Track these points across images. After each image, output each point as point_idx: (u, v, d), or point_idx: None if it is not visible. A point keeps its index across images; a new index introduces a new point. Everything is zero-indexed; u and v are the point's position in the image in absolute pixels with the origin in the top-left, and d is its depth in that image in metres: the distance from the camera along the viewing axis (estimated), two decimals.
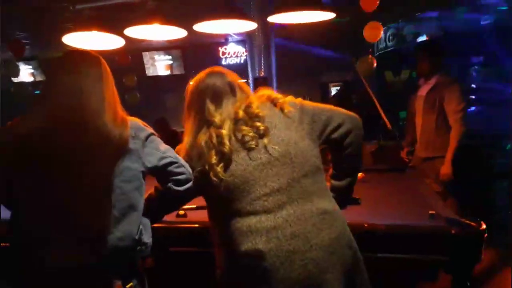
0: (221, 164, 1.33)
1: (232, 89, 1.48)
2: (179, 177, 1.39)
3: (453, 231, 1.48)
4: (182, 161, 1.43)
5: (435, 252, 1.50)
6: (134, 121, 1.38)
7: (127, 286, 1.29)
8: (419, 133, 3.27)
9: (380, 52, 7.05)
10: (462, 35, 5.85)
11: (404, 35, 6.56)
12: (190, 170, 1.44)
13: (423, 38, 6.30)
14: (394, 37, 6.71)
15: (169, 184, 1.39)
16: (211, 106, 1.42)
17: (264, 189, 1.29)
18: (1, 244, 1.75)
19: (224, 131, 1.36)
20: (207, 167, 1.35)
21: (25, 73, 8.30)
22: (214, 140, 1.35)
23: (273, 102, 1.43)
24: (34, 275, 1.25)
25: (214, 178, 1.33)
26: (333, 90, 7.59)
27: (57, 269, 1.21)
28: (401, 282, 1.57)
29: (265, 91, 1.49)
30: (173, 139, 5.24)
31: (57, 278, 1.22)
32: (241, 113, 1.38)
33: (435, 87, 3.13)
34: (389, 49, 6.79)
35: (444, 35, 5.89)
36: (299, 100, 1.46)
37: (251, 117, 1.37)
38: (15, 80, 7.88)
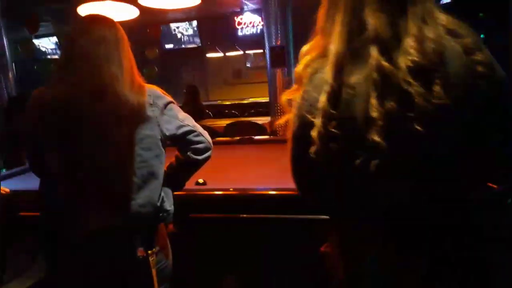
0: (382, 124, 0.77)
1: None
2: (198, 145, 1.40)
3: None
4: (201, 129, 1.43)
5: None
6: (153, 89, 1.37)
7: (150, 252, 1.31)
8: None
9: None
10: None
11: None
12: (209, 138, 1.44)
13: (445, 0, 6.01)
14: None
15: (188, 153, 1.40)
16: (377, 12, 0.82)
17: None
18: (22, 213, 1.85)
19: (394, 71, 0.78)
20: (359, 120, 0.80)
21: (48, 50, 8.45)
22: (375, 75, 0.79)
23: (467, 52, 0.80)
24: (65, 242, 1.30)
25: (372, 144, 0.78)
26: None
27: (84, 235, 1.26)
28: None
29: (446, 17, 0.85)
30: (199, 110, 5.27)
31: (84, 244, 1.27)
32: (421, 47, 0.78)
33: None
34: None
35: None
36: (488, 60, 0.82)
37: (431, 70, 0.77)
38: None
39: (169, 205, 1.39)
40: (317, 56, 0.91)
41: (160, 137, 1.34)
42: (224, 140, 3.37)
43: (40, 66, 6.17)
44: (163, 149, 1.36)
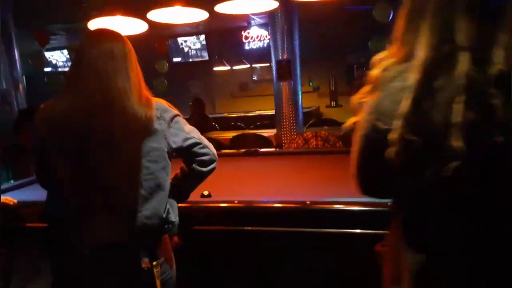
0: (463, 130, 0.79)
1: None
2: (203, 157, 1.42)
3: None
4: (206, 142, 1.45)
5: None
6: (160, 102, 1.39)
7: (154, 263, 1.32)
8: None
9: None
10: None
11: None
12: (214, 151, 1.46)
13: None
14: None
15: (194, 165, 1.42)
16: (467, 21, 0.83)
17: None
18: (29, 224, 1.86)
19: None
20: (440, 125, 0.81)
21: (59, 62, 8.63)
22: (463, 82, 0.80)
23: None
24: (71, 253, 1.31)
25: (452, 149, 0.79)
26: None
27: (90, 246, 1.27)
28: None
29: None
30: (205, 123, 5.37)
31: (90, 255, 1.28)
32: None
33: None
34: None
35: None
36: None
37: None
38: (47, 69, 8.15)
39: (174, 217, 1.40)
40: (397, 62, 0.91)
41: (166, 150, 1.35)
42: (230, 152, 3.38)
43: (50, 79, 6.25)
44: (169, 161, 1.38)
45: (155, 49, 6.40)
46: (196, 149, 1.41)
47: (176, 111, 1.42)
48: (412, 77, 0.85)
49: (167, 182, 1.37)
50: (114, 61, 1.30)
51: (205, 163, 1.43)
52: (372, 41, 4.40)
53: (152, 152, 1.31)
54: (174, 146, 1.37)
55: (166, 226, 1.37)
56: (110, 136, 1.26)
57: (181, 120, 1.43)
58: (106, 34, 1.37)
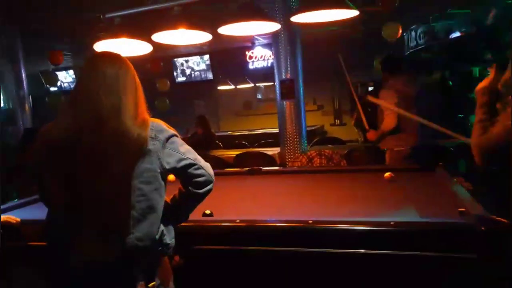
0: None
1: None
2: (199, 179, 1.39)
3: (482, 228, 1.43)
4: (202, 163, 1.42)
5: (464, 249, 1.45)
6: (156, 123, 1.38)
7: (150, 285, 1.30)
8: None
9: (411, 50, 6.89)
10: (496, 30, 5.62)
11: (435, 32, 6.38)
12: (211, 171, 1.43)
13: (456, 34, 6.10)
14: (425, 35, 6.53)
15: (189, 187, 1.40)
16: None
17: None
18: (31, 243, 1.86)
19: None
20: None
21: (64, 83, 8.76)
22: None
23: None
24: (65, 271, 1.30)
25: None
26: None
27: (82, 267, 1.26)
28: (430, 281, 1.53)
29: None
30: (209, 139, 5.39)
31: (83, 276, 1.27)
32: None
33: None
34: (420, 47, 6.62)
35: (477, 31, 5.68)
36: None
37: None
38: (53, 89, 8.28)
39: (169, 239, 1.38)
40: None
41: (159, 170, 1.33)
42: (233, 171, 3.38)
43: (51, 99, 6.30)
44: (162, 182, 1.35)
45: (150, 69, 6.54)
46: (191, 170, 1.38)
47: (173, 131, 1.40)
48: None
49: (160, 204, 1.35)
50: (108, 82, 1.31)
51: (200, 185, 1.40)
52: (377, 60, 4.49)
53: (145, 173, 1.29)
54: (167, 167, 1.34)
55: (160, 248, 1.34)
56: (101, 156, 1.26)
57: (178, 141, 1.40)
58: (102, 57, 1.40)
